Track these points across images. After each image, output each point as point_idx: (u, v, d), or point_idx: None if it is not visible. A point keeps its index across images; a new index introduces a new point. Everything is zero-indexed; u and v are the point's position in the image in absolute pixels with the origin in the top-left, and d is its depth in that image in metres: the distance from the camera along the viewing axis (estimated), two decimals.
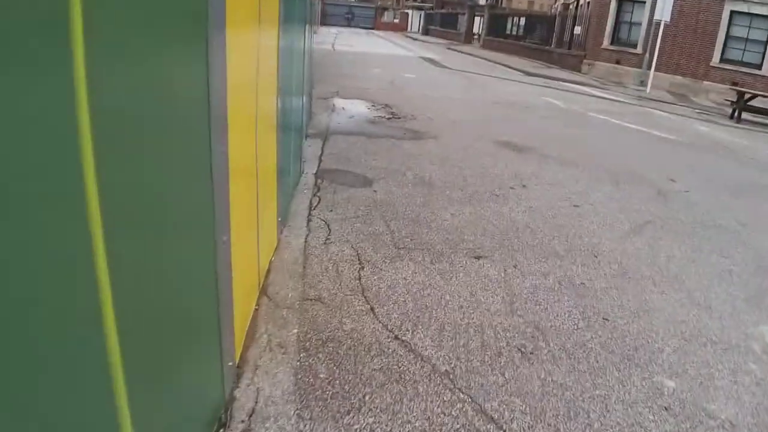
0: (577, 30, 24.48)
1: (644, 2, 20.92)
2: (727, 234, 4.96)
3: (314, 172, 5.40)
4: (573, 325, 3.09)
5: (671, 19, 17.86)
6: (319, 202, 4.56)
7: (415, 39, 46.97)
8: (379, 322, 2.89)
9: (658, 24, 18.02)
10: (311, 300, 3.05)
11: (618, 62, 22.03)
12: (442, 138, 7.57)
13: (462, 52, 30.72)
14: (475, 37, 42.79)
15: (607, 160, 7.29)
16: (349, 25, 68.71)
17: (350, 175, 5.43)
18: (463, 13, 46.22)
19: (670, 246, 4.46)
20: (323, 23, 64.30)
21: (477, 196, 5.14)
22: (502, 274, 3.57)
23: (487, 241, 4.10)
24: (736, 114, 13.38)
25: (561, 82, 18.65)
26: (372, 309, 3.01)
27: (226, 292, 2.18)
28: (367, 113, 9.01)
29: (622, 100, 15.30)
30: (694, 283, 3.85)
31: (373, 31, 62.19)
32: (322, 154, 6.12)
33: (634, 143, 8.82)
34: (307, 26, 8.31)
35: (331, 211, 4.38)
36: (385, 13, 79.20)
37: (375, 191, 4.98)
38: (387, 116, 8.82)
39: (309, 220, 4.16)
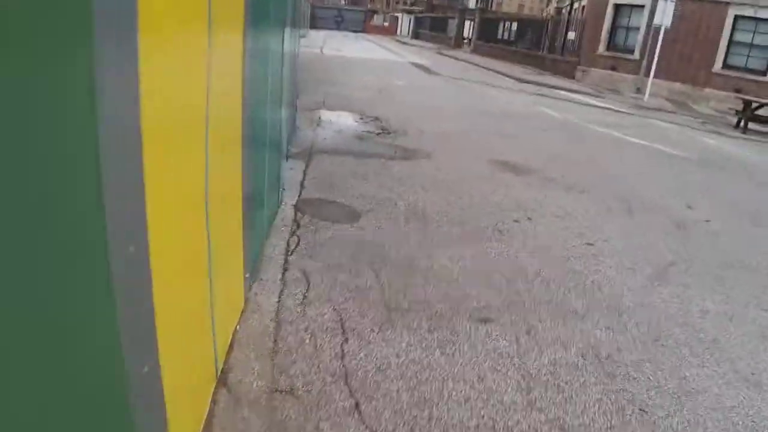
0: (571, 35, 24.05)
1: (643, 6, 20.49)
2: (759, 276, 4.39)
3: (294, 202, 4.77)
4: (605, 422, 2.49)
5: (671, 24, 17.39)
6: (297, 244, 3.93)
7: (405, 43, 46.47)
8: (367, 427, 2.27)
9: (658, 29, 17.56)
10: (282, 392, 2.43)
11: (614, 69, 21.59)
12: (435, 157, 6.97)
13: (453, 58, 30.22)
14: (465, 41, 42.35)
15: (615, 183, 6.72)
16: (338, 29, 68.09)
17: (335, 206, 4.81)
18: (453, 17, 45.78)
19: (701, 296, 3.88)
20: (312, 26, 63.60)
21: (478, 233, 4.53)
22: (515, 346, 2.96)
23: (493, 296, 3.50)
24: (742, 124, 12.91)
25: (555, 90, 18.16)
26: (357, 405, 2.39)
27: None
28: (355, 127, 8.39)
29: (619, 109, 14.81)
30: (736, 349, 3.27)
31: (362, 34, 61.65)
32: (304, 179, 5.49)
33: (640, 161, 8.27)
34: (288, 28, 7.70)
35: (311, 257, 3.75)
36: (375, 16, 78.76)
37: (362, 228, 4.36)
38: (376, 131, 8.21)
39: (285, 270, 3.53)
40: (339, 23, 70.19)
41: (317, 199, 4.92)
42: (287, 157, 6.18)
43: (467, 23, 42.66)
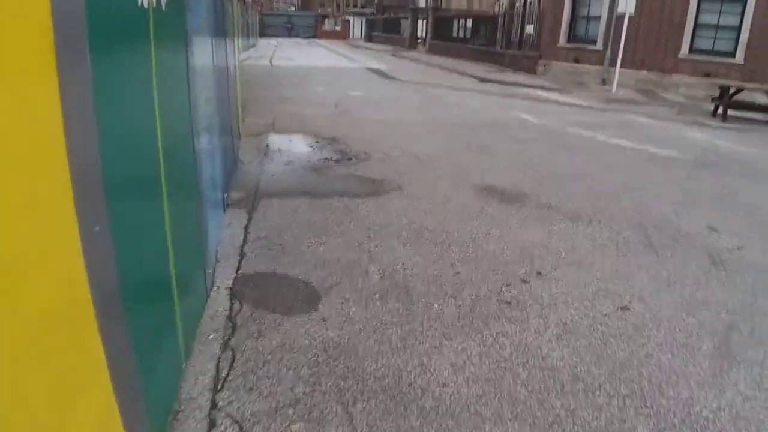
0: (529, 29, 23.27)
1: None
2: None
3: (230, 284, 3.57)
4: None
5: (634, 10, 16.72)
6: (231, 365, 2.73)
7: (359, 47, 45.38)
8: None
9: (621, 17, 16.84)
10: None
11: (576, 61, 20.85)
12: (407, 188, 5.84)
13: (409, 59, 29.22)
14: (420, 41, 41.47)
15: (621, 203, 5.69)
16: (289, 35, 66.63)
17: (286, 284, 3.62)
18: (406, 18, 44.87)
19: None
20: (263, 34, 62.03)
21: (480, 309, 3.40)
22: None
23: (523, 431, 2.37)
24: (720, 111, 12.15)
25: (521, 88, 17.27)
26: None
27: None
28: (309, 155, 7.20)
29: (591, 105, 13.95)
30: None
31: (314, 40, 60.34)
32: (245, 242, 4.28)
33: (637, 169, 7.29)
34: (222, 40, 6.49)
35: (252, 389, 2.55)
36: (326, 21, 77.54)
37: (324, 320, 3.18)
38: (335, 157, 7.04)
39: (211, 423, 2.34)
40: (290, 30, 68.73)
41: (262, 275, 3.72)
42: (225, 206, 4.97)
43: (420, 23, 41.81)
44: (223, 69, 5.75)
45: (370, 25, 61.60)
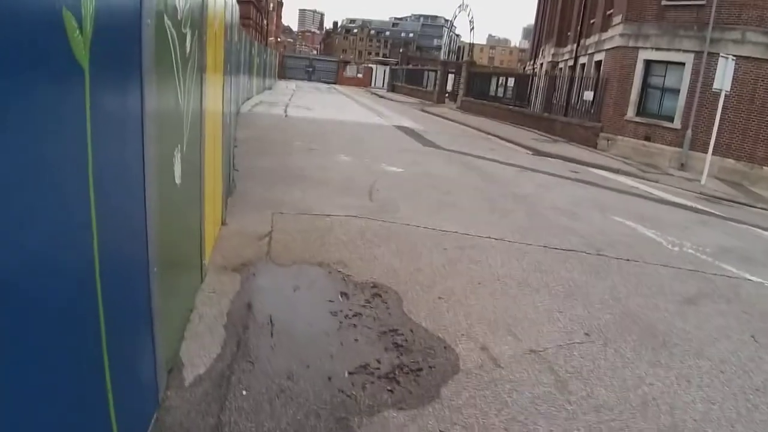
0: (588, 95, 19.97)
1: (682, 64, 16.50)
2: None
3: None
4: None
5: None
6: None
7: (382, 97, 42.55)
8: None
9: (710, 93, 13.52)
10: None
11: (647, 138, 17.44)
12: None
13: (441, 117, 26.00)
14: (446, 95, 38.58)
15: None
16: (309, 79, 64.42)
17: None
18: (434, 70, 42.15)
19: None
20: (282, 76, 59.77)
21: None
22: None
23: None
24: None
25: (589, 169, 13.80)
26: None
27: None
28: (328, 347, 3.52)
29: (696, 205, 10.39)
30: None
31: (335, 86, 57.90)
32: None
33: None
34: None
35: None
36: (348, 67, 75.68)
37: None
38: (386, 365, 3.36)
39: None
40: (310, 74, 66.61)
41: None
42: None
43: (450, 77, 39.01)
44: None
45: (393, 75, 59.19)
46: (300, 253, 5.08)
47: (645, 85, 17.72)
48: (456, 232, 6.42)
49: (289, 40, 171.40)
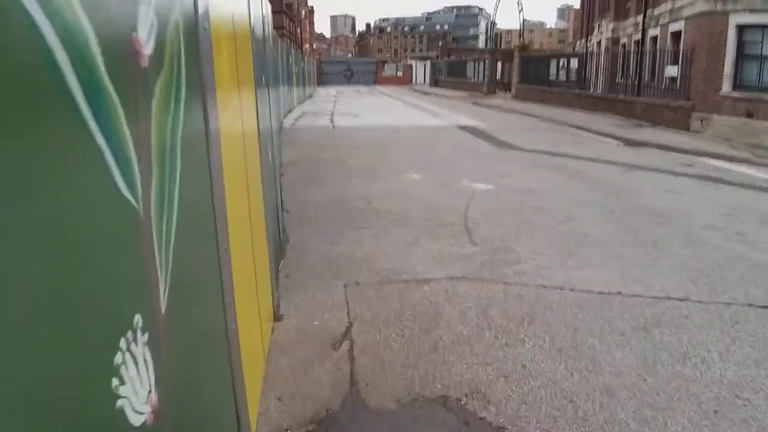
0: (671, 71, 17.33)
1: None
2: None
3: None
4: None
5: None
6: None
7: (427, 93, 40.39)
8: None
9: None
10: None
11: (750, 115, 14.75)
12: None
13: (500, 110, 23.69)
14: (498, 85, 36.06)
15: None
16: (349, 83, 62.81)
17: None
18: (480, 60, 39.74)
19: None
20: (321, 83, 58.32)
21: None
22: None
23: None
24: None
25: (699, 158, 11.41)
26: None
27: None
28: None
29: None
30: None
31: (375, 87, 56.05)
32: None
33: None
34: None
35: None
36: (386, 66, 73.77)
37: None
38: None
39: None
40: (349, 77, 65.01)
41: None
42: None
43: (499, 65, 36.51)
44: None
45: (435, 70, 56.90)
46: (403, 374, 3.10)
47: (740, 54, 15.04)
48: (619, 293, 4.31)
49: (323, 46, 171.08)
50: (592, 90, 24.35)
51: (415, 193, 7.62)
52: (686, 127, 16.22)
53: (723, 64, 15.19)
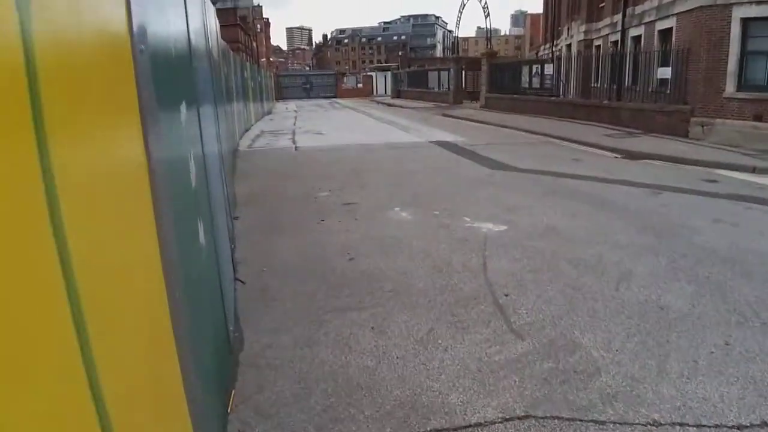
0: (664, 73, 16.04)
1: None
2: None
3: None
4: None
5: None
6: None
7: (391, 105, 38.81)
8: None
9: None
10: None
11: (759, 118, 13.50)
12: None
13: (474, 121, 22.15)
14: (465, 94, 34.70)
15: None
16: (308, 96, 60.81)
17: None
18: (444, 69, 38.40)
19: None
20: (279, 97, 56.09)
21: None
22: None
23: None
24: None
25: (716, 170, 10.06)
26: None
27: None
28: None
29: None
30: None
31: (336, 100, 54.27)
32: None
33: None
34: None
35: None
36: (346, 78, 72.12)
37: None
38: None
39: None
40: (308, 91, 62.98)
41: None
42: None
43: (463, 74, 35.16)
44: None
45: (397, 80, 55.43)
46: None
47: (745, 51, 13.79)
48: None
49: (280, 59, 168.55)
50: (563, 96, 23.10)
51: (410, 241, 5.84)
52: (684, 134, 14.91)
53: (726, 63, 13.90)
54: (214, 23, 8.35)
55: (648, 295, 4.40)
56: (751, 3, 13.17)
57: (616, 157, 12.22)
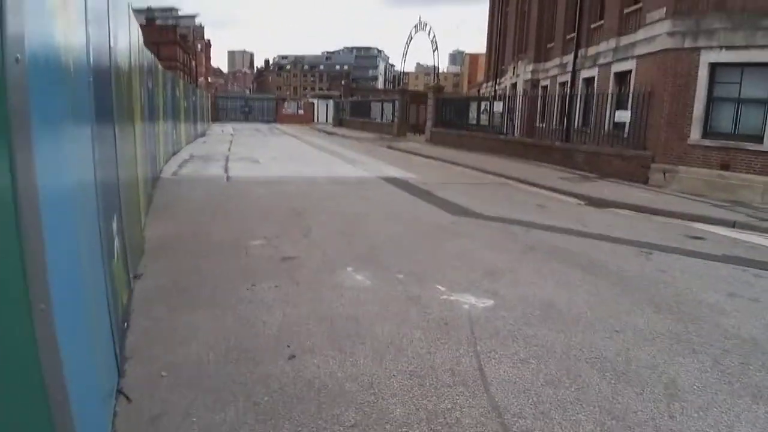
0: (622, 116, 15.42)
1: (766, 64, 12.20)
2: None
3: None
4: None
5: None
6: None
7: (332, 134, 37.50)
8: None
9: None
10: None
11: (725, 167, 12.94)
12: None
13: (422, 156, 21.04)
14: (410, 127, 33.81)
15: None
16: (247, 120, 58.77)
17: None
18: (389, 101, 37.53)
19: None
20: (216, 119, 53.75)
21: None
22: None
23: None
24: None
25: (691, 223, 9.19)
26: None
27: None
28: None
29: None
30: None
31: (276, 125, 52.49)
32: None
33: None
34: None
35: None
36: (286, 104, 70.44)
37: None
38: None
39: None
40: (247, 114, 60.92)
41: None
42: None
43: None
44: None
45: (339, 109, 54.32)
46: None
47: (712, 96, 13.27)
48: None
49: (220, 81, 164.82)
50: (511, 135, 22.45)
51: (373, 326, 4.35)
52: (644, 180, 14.23)
53: (692, 108, 13.30)
54: (136, 35, 7.10)
55: (714, 423, 3.10)
56: (720, 48, 12.68)
57: (579, 204, 11.24)
